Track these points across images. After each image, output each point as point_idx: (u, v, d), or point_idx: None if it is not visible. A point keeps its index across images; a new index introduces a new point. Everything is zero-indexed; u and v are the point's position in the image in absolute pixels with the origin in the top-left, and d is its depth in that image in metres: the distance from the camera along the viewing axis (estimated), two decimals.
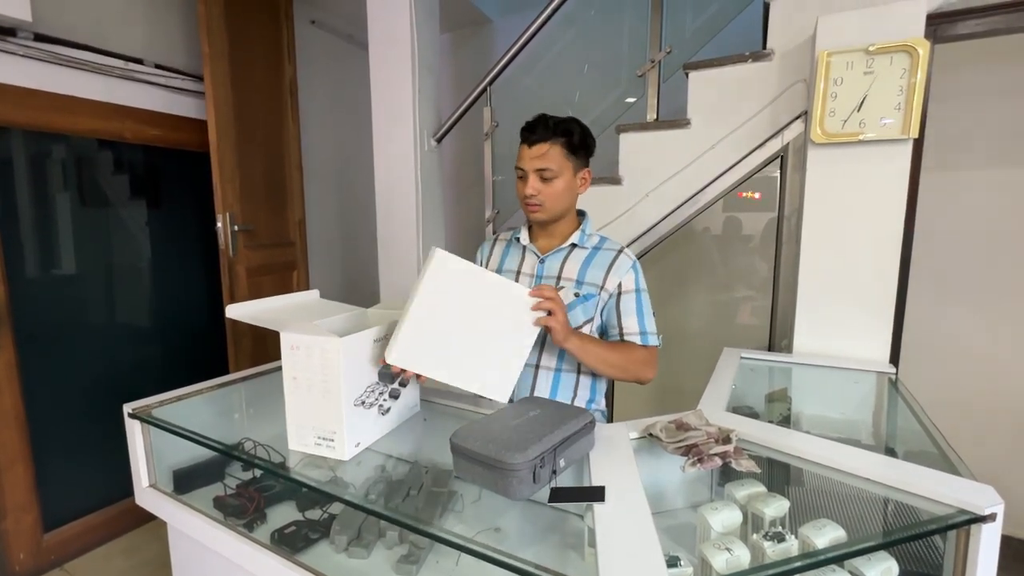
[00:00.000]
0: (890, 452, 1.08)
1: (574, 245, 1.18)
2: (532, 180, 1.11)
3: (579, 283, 1.15)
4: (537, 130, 1.11)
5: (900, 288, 1.37)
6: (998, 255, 1.91)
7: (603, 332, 1.20)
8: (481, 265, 1.28)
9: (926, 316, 1.97)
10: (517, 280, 1.19)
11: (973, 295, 1.95)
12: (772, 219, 2.23)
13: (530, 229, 1.24)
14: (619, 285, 1.15)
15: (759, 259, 2.25)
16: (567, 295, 1.14)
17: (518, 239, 1.24)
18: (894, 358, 1.40)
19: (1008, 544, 1.96)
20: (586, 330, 1.16)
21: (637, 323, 1.14)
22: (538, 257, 1.19)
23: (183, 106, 2.15)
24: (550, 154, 1.10)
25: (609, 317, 1.17)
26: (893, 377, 1.29)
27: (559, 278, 1.16)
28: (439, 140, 2.15)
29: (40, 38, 1.71)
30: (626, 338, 1.15)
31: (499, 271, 1.22)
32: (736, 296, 2.34)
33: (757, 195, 2.02)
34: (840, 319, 1.41)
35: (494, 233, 1.33)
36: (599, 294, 1.14)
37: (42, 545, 1.82)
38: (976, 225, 1.93)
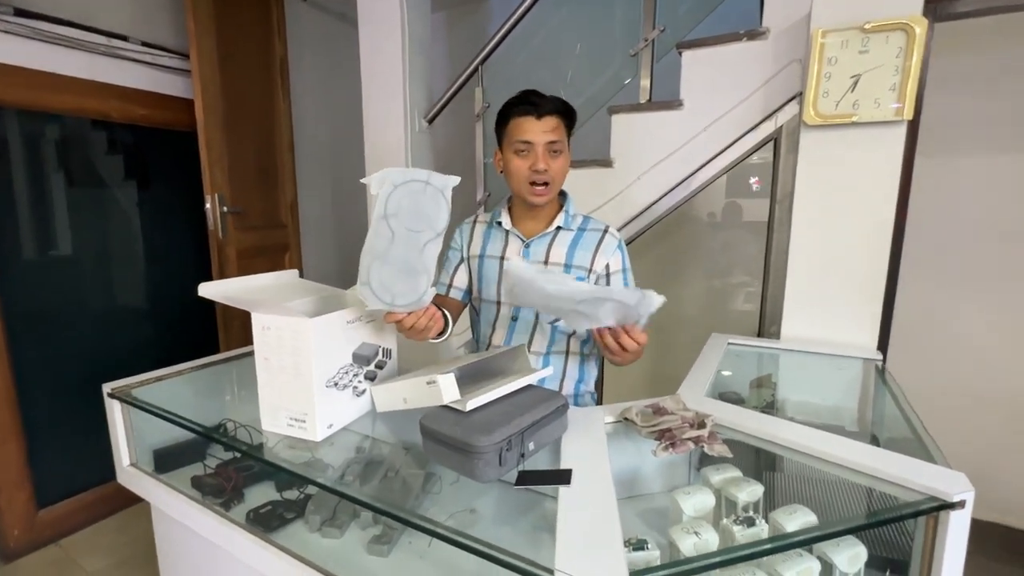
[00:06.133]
0: (872, 439, 1.08)
1: (559, 228, 1.15)
2: (543, 154, 1.06)
3: (567, 267, 1.13)
4: (544, 100, 1.06)
5: (890, 275, 1.35)
6: (989, 242, 1.88)
7: None
8: (461, 251, 1.24)
9: (914, 303, 1.95)
10: (501, 266, 1.16)
11: (963, 283, 1.93)
12: (765, 206, 2.20)
13: (510, 211, 1.20)
14: (607, 266, 1.15)
15: (752, 245, 2.23)
16: None
17: (499, 223, 1.19)
18: (882, 345, 1.39)
19: (994, 530, 1.97)
20: None
21: None
22: (523, 242, 1.17)
23: (170, 84, 2.11)
24: (559, 128, 1.07)
25: None
26: (880, 364, 1.28)
27: (546, 262, 1.14)
28: (430, 121, 2.12)
29: (20, 13, 1.67)
30: None
31: (481, 256, 1.19)
32: (728, 282, 2.32)
33: (756, 180, 1.99)
34: (829, 305, 1.39)
35: (474, 215, 1.28)
36: (587, 277, 1.14)
37: (36, 521, 1.85)
38: (967, 212, 1.90)
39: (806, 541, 0.63)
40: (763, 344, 1.46)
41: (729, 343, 1.45)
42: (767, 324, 1.67)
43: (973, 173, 1.88)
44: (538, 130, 1.06)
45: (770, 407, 1.24)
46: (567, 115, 1.09)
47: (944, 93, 1.81)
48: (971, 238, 1.90)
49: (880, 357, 1.30)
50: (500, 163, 1.14)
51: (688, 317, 2.34)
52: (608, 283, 1.16)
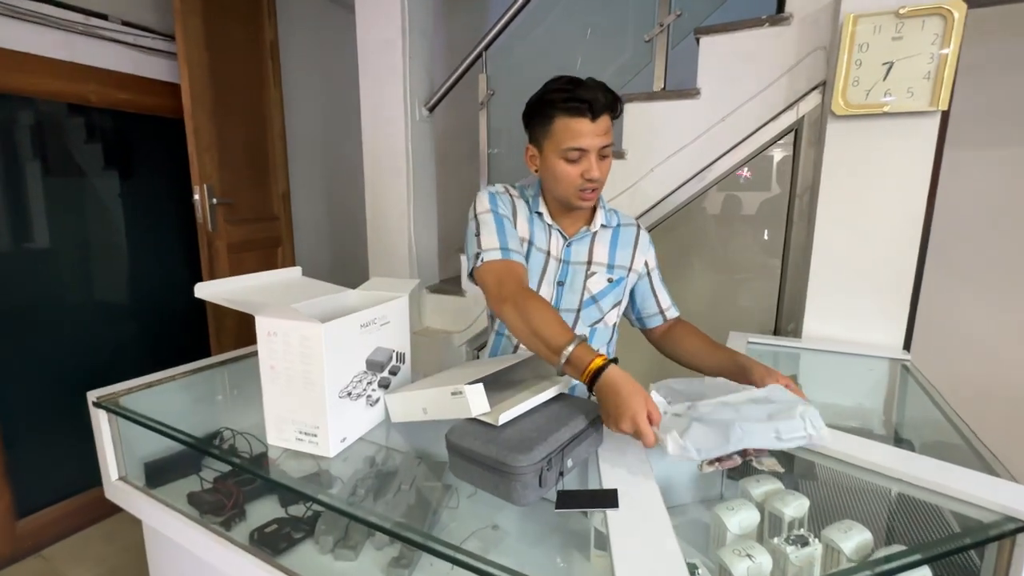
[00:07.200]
0: (907, 443, 1.04)
1: (602, 225, 1.07)
2: (596, 161, 0.93)
3: (611, 267, 1.07)
4: (597, 98, 0.90)
5: (917, 271, 1.31)
6: (1014, 238, 1.84)
7: (638, 314, 1.16)
8: (509, 219, 1.03)
9: (936, 300, 1.91)
10: (546, 264, 1.06)
11: (985, 280, 1.90)
12: (769, 199, 2.15)
13: (546, 202, 1.06)
14: (645, 264, 1.11)
15: (760, 240, 2.18)
16: (600, 280, 1.06)
17: (539, 213, 1.06)
18: (907, 344, 1.35)
19: None
20: (613, 314, 1.09)
21: (668, 297, 1.15)
22: (565, 240, 1.06)
23: (154, 68, 1.99)
24: (610, 128, 0.94)
25: (646, 299, 1.13)
26: (908, 364, 1.24)
27: (590, 263, 1.06)
28: (431, 109, 2.03)
29: None
30: (666, 313, 1.14)
31: (531, 243, 1.05)
32: (736, 278, 2.27)
33: (747, 173, 1.93)
34: (853, 303, 1.34)
35: (498, 185, 1.09)
36: (628, 276, 1.09)
37: (16, 532, 1.74)
38: (990, 206, 1.86)
39: (889, 572, 0.57)
40: (785, 343, 1.41)
41: (749, 342, 1.40)
42: (784, 322, 1.62)
43: (993, 165, 1.84)
44: (592, 134, 0.91)
45: None
46: (616, 106, 0.95)
47: (962, 82, 1.76)
48: (990, 232, 1.87)
49: (908, 357, 1.26)
50: (535, 160, 1.01)
51: (691, 313, 2.28)
52: (650, 281, 1.12)
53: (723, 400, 0.79)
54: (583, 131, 0.91)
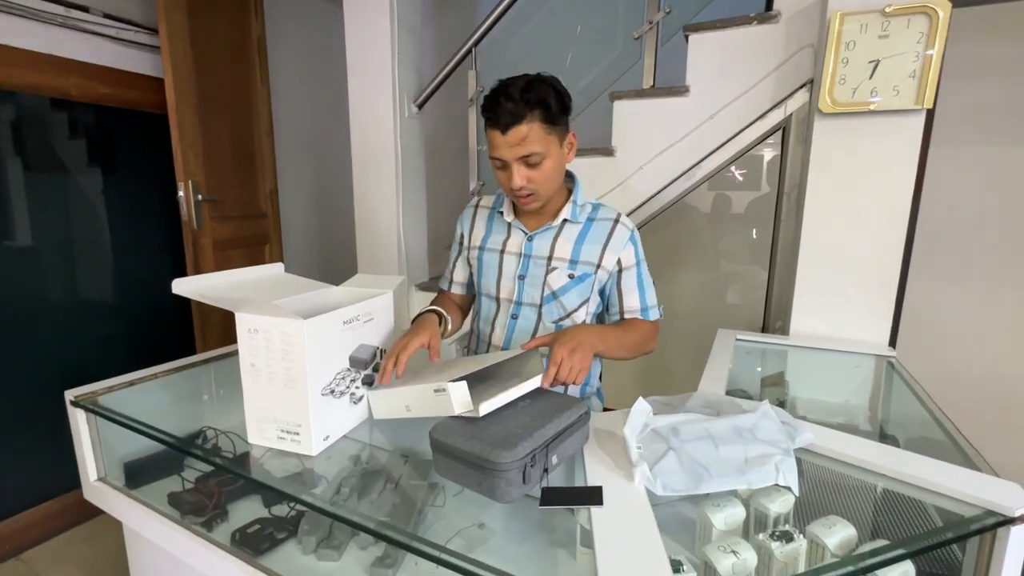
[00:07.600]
0: (892, 439, 1.04)
1: (566, 220, 1.06)
2: (518, 170, 0.93)
3: (573, 263, 1.04)
4: (505, 110, 0.89)
5: (902, 268, 1.32)
6: (995, 235, 1.87)
7: (603, 309, 1.13)
8: (464, 239, 1.16)
9: (921, 297, 1.94)
10: (501, 262, 1.09)
11: (969, 277, 1.92)
12: (758, 197, 2.16)
13: (511, 200, 1.09)
14: (618, 262, 1.05)
15: (749, 238, 2.19)
16: (560, 277, 1.04)
17: (501, 212, 1.10)
18: (892, 341, 1.36)
19: None
20: (581, 312, 1.07)
21: (639, 299, 1.07)
22: (525, 234, 1.07)
23: (137, 62, 1.95)
24: (531, 136, 0.90)
25: (610, 296, 1.09)
26: (894, 361, 1.25)
27: (551, 258, 1.05)
28: (420, 106, 2.02)
29: None
30: (626, 315, 1.08)
31: (481, 248, 1.11)
32: (723, 276, 2.28)
33: (739, 172, 1.93)
34: (841, 300, 1.35)
35: (476, 197, 1.19)
36: (595, 273, 1.05)
37: None
38: (974, 204, 1.88)
39: (873, 567, 0.57)
40: (772, 340, 1.41)
41: (737, 339, 1.40)
42: (772, 319, 1.63)
43: (973, 163, 1.86)
44: (504, 145, 0.91)
45: (782, 406, 1.19)
46: (544, 108, 0.90)
47: (946, 82, 1.78)
48: (973, 230, 1.89)
49: (893, 353, 1.27)
50: None
51: (678, 310, 2.29)
52: (620, 280, 1.07)
53: (707, 427, 0.78)
54: (496, 142, 0.93)
